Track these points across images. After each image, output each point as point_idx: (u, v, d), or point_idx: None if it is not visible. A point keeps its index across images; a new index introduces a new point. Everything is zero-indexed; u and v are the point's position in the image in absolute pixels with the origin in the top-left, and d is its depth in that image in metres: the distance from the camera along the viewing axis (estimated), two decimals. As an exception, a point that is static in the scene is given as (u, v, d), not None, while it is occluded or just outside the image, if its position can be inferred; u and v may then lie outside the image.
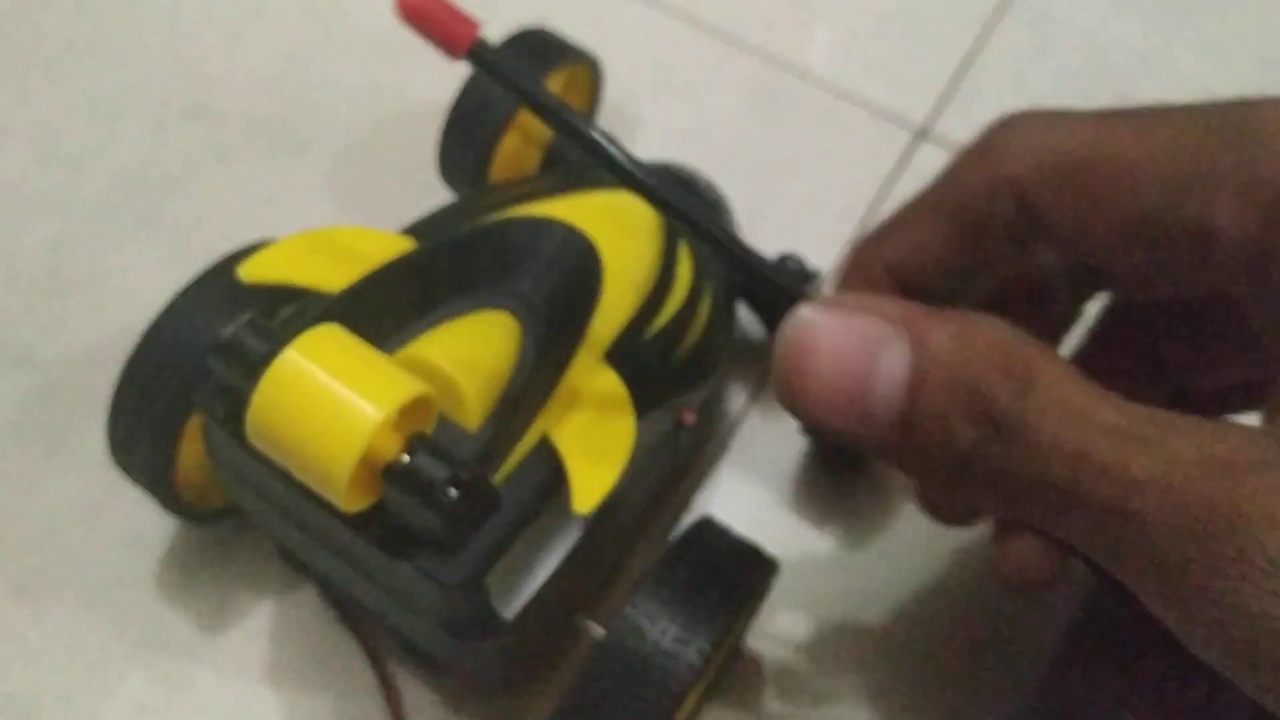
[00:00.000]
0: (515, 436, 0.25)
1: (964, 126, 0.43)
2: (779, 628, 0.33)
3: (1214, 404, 0.26)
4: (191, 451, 0.29)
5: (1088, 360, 0.26)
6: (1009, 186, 0.20)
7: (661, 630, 0.25)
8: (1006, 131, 0.21)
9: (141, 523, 0.33)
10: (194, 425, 0.28)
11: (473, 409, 0.25)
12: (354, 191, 0.40)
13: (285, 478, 0.24)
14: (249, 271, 0.27)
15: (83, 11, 0.44)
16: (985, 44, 0.45)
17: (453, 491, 0.22)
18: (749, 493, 0.35)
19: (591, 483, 0.25)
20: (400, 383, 0.22)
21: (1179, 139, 0.19)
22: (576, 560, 0.27)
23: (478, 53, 0.22)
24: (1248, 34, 0.46)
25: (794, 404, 0.19)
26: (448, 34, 0.22)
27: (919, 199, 0.22)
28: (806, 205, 0.40)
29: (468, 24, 0.22)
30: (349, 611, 0.31)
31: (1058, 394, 0.18)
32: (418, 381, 0.23)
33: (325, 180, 0.40)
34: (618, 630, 0.25)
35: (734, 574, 0.27)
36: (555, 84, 0.36)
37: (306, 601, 0.32)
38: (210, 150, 0.41)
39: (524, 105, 0.23)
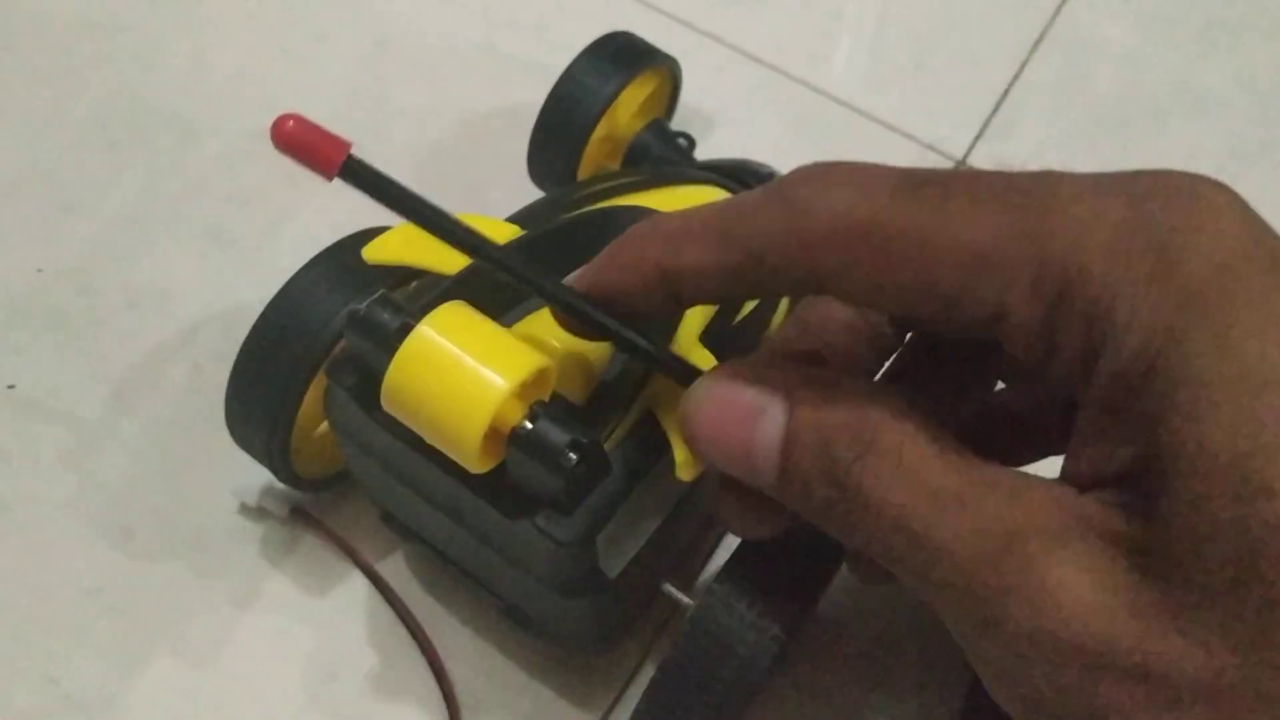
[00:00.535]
0: (621, 409, 0.27)
1: (999, 156, 0.44)
2: (838, 598, 0.34)
3: None
4: (307, 422, 0.31)
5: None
6: (801, 243, 0.20)
7: (743, 612, 0.27)
8: (807, 185, 0.20)
9: (250, 489, 0.35)
10: (311, 397, 0.30)
11: (578, 383, 0.27)
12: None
13: (412, 443, 0.25)
14: (372, 253, 0.28)
15: (152, 33, 0.46)
16: (1022, 74, 0.47)
17: (572, 456, 0.24)
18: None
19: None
20: (525, 355, 0.24)
21: (980, 219, 0.19)
22: (670, 528, 0.28)
23: (352, 169, 0.21)
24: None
25: (700, 457, 0.23)
26: (321, 155, 0.21)
27: (708, 219, 0.22)
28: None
29: (339, 143, 0.21)
30: (400, 604, 0.33)
31: (894, 458, 0.20)
32: (539, 354, 0.24)
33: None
34: (714, 593, 0.27)
35: (815, 549, 0.28)
36: (641, 87, 0.37)
37: (398, 571, 0.34)
38: (278, 171, 0.42)
39: (407, 218, 0.23)
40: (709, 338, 0.29)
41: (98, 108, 0.43)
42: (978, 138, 0.45)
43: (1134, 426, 0.18)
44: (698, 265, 0.21)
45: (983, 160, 0.44)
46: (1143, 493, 0.18)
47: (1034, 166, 0.40)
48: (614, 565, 0.27)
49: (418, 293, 0.28)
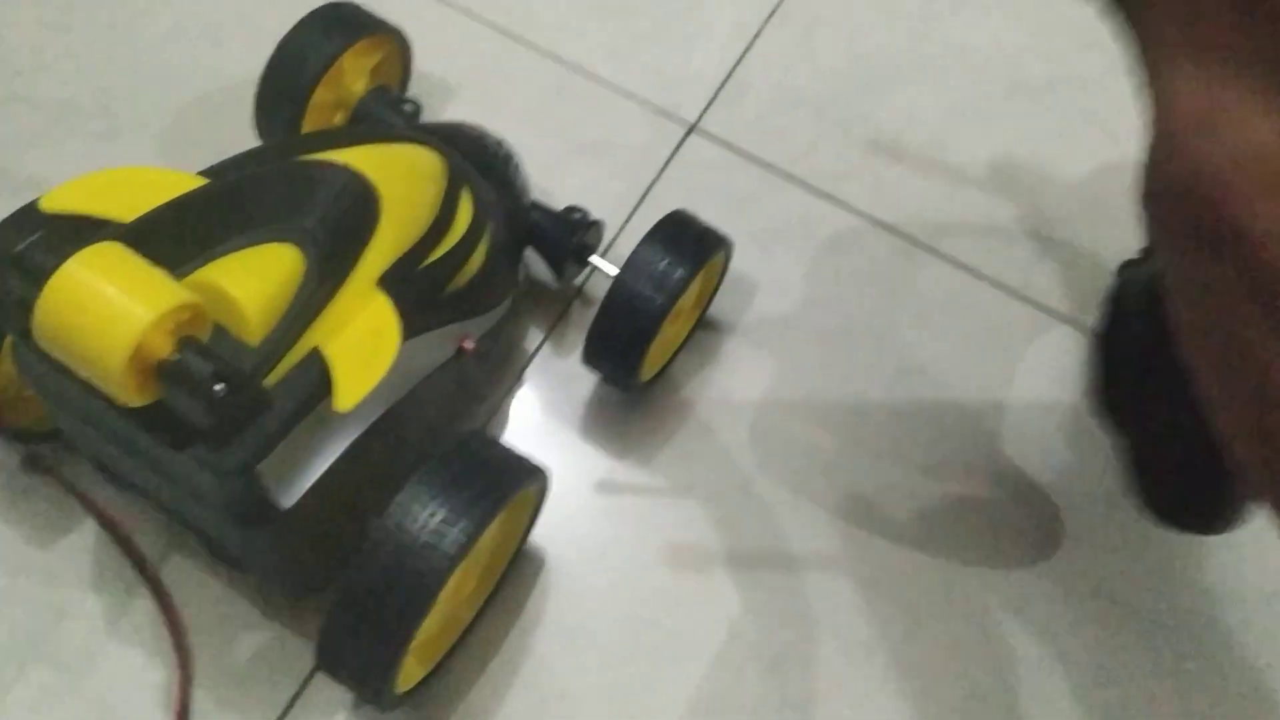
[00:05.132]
0: (287, 348, 0.27)
1: (729, 121, 0.45)
2: (559, 533, 0.35)
3: None
4: (5, 373, 0.30)
5: None
6: None
7: (428, 517, 0.27)
8: None
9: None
10: (7, 348, 0.29)
11: (255, 326, 0.27)
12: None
13: (79, 381, 0.25)
14: (49, 202, 0.28)
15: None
16: (755, 45, 0.48)
17: (219, 387, 0.23)
18: (539, 418, 0.37)
19: (352, 385, 0.26)
20: (170, 290, 0.24)
21: None
22: (356, 460, 0.29)
23: None
24: (1000, 45, 0.49)
25: None
26: None
27: None
28: (588, 192, 0.41)
29: None
30: (132, 547, 0.33)
31: None
32: (187, 292, 0.24)
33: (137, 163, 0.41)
34: (389, 515, 0.27)
35: (497, 475, 0.29)
36: (364, 54, 0.37)
37: (131, 514, 0.34)
38: (24, 136, 0.41)
39: None
40: (389, 282, 0.29)
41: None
42: (709, 104, 0.46)
43: None
44: None
45: (715, 126, 0.45)
46: None
47: (761, 130, 0.40)
48: (289, 495, 0.27)
49: (86, 237, 0.27)
